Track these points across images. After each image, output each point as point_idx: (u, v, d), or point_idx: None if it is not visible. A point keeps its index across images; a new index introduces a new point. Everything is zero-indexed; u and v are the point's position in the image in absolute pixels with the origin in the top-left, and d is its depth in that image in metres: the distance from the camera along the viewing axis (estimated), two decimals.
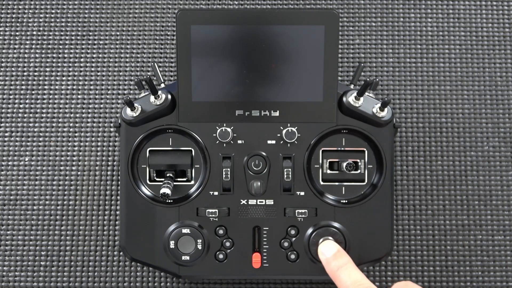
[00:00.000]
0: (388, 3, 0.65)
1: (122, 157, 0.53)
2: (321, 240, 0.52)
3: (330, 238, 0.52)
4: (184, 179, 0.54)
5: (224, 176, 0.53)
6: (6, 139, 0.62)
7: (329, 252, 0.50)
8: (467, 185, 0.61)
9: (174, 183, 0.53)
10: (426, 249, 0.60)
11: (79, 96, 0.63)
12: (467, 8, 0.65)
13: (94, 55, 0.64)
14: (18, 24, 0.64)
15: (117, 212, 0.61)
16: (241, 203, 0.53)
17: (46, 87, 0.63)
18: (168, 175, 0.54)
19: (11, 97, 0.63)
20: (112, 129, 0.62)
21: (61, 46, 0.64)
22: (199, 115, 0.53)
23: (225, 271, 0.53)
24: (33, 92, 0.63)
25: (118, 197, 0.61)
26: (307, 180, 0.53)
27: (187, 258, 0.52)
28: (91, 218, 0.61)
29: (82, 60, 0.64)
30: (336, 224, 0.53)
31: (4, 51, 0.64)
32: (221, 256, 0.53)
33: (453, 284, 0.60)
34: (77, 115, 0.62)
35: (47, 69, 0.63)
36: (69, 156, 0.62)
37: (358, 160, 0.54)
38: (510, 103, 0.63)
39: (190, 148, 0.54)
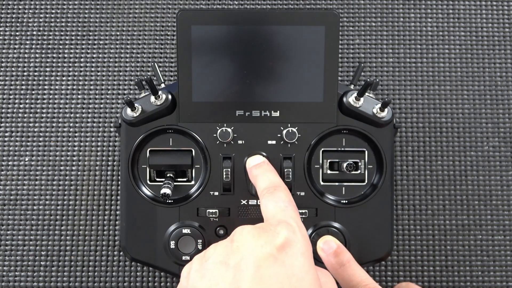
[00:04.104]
0: (388, 3, 0.65)
1: (123, 157, 0.53)
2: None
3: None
4: (185, 179, 0.54)
5: (224, 176, 0.53)
6: (6, 139, 0.62)
7: (329, 248, 0.50)
8: (467, 185, 0.61)
9: (175, 183, 0.53)
10: (426, 249, 0.60)
11: (79, 96, 0.63)
12: (467, 8, 0.65)
13: (94, 55, 0.64)
14: (18, 24, 0.64)
15: (117, 212, 0.61)
16: (242, 203, 0.53)
17: (46, 87, 0.63)
18: (168, 175, 0.54)
19: (11, 97, 0.63)
20: (112, 129, 0.62)
21: (61, 46, 0.64)
22: (199, 115, 0.53)
23: None
24: (33, 92, 0.63)
25: (118, 197, 0.61)
26: (307, 180, 0.53)
27: (188, 258, 0.52)
28: (91, 218, 0.61)
29: (82, 60, 0.64)
30: (336, 224, 0.53)
31: (4, 51, 0.64)
32: None
33: (453, 284, 0.60)
34: (77, 115, 0.62)
35: (47, 69, 0.63)
36: (69, 156, 0.62)
37: (358, 161, 0.54)
38: (510, 103, 0.63)
39: (190, 148, 0.54)
